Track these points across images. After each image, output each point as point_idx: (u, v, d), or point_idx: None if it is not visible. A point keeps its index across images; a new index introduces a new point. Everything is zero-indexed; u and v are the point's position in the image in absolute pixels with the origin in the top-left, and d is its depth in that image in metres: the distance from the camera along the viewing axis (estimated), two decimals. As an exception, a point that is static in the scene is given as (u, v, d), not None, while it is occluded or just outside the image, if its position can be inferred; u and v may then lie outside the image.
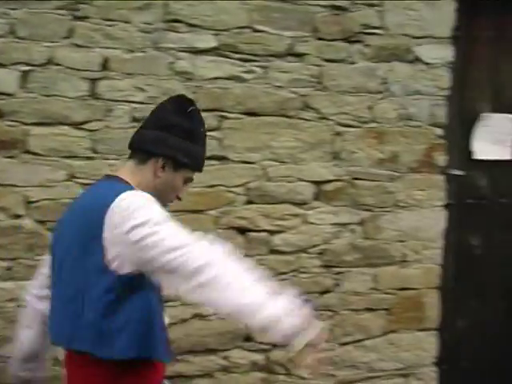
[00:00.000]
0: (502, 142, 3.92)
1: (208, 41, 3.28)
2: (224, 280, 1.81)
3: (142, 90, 3.22)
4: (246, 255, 3.25)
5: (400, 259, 3.61)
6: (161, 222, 1.87)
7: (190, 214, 3.20)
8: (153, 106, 3.14)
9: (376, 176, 3.56)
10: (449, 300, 3.86)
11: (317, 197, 3.46)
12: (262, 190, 3.37)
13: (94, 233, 1.91)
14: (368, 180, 3.54)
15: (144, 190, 2.03)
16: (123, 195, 1.92)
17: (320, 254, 3.49)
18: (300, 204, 3.43)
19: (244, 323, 1.88)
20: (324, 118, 3.44)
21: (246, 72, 3.33)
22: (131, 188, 2.01)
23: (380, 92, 3.53)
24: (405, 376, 3.70)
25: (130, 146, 2.15)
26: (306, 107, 3.42)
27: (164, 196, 2.10)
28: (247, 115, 3.34)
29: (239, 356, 3.42)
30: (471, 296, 3.98)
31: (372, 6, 3.49)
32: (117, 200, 1.90)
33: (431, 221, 3.65)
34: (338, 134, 3.48)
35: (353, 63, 3.47)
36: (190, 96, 3.18)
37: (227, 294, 1.80)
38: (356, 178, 3.52)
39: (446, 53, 3.63)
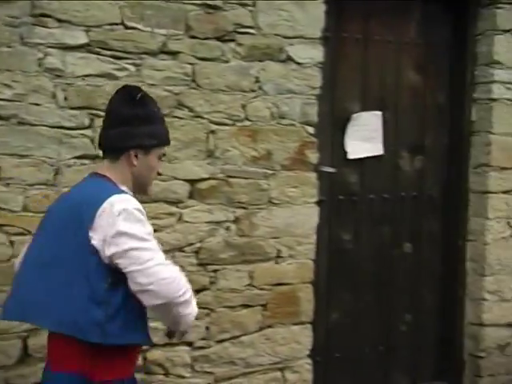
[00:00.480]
0: (372, 139, 4.10)
1: (78, 37, 3.22)
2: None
3: (9, 86, 3.12)
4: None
5: (274, 255, 3.68)
6: (144, 238, 2.16)
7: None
8: (21, 104, 3.13)
9: (250, 174, 3.60)
10: (322, 294, 3.98)
11: (191, 195, 3.48)
12: (136, 189, 3.34)
13: (83, 224, 2.14)
14: (242, 178, 3.59)
15: (125, 181, 2.30)
16: (113, 199, 2.17)
17: (196, 252, 3.50)
18: (175, 203, 3.43)
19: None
20: (198, 117, 3.46)
21: (118, 69, 3.29)
22: (118, 189, 2.24)
23: (253, 91, 3.58)
24: (281, 370, 3.77)
25: (101, 148, 2.37)
26: (180, 105, 3.42)
27: (145, 178, 2.35)
28: (120, 113, 3.30)
29: (115, 358, 3.37)
30: (343, 289, 4.14)
31: (245, 5, 3.54)
32: (107, 202, 2.15)
33: (304, 217, 3.74)
34: (212, 132, 3.50)
35: (226, 62, 3.51)
36: (60, 94, 3.19)
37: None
38: (230, 176, 3.56)
39: (317, 53, 3.73)
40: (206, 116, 3.48)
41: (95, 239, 2.14)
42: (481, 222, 4.29)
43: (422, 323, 4.41)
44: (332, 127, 3.99)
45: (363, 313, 4.20)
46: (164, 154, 2.41)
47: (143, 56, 3.33)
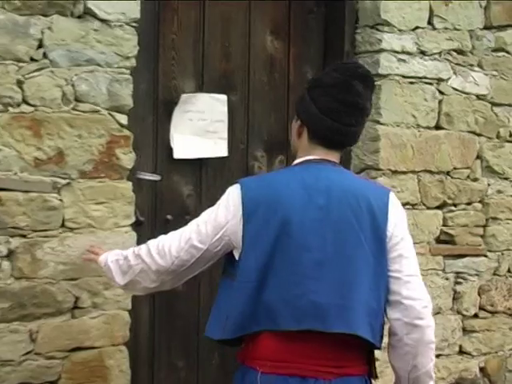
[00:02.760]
0: (213, 134, 4.13)
1: None
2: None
3: None
4: None
5: (70, 306, 3.57)
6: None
7: None
8: None
9: (32, 185, 3.48)
10: (143, 360, 3.97)
11: None
12: None
13: (380, 226, 2.84)
14: (19, 191, 3.47)
15: None
16: (395, 198, 2.95)
17: None
18: None
19: None
20: None
21: None
22: (383, 187, 3.13)
23: (34, 60, 3.45)
24: None
25: (342, 143, 3.00)
26: None
27: None
28: None
29: None
30: (176, 351, 4.09)
31: None
32: (394, 202, 2.93)
33: (115, 247, 3.57)
34: (-28, 122, 3.26)
35: (-10, 15, 3.24)
36: None
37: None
38: (1, 189, 3.43)
39: (131, 6, 3.63)
40: (-41, 98, 3.24)
41: (387, 236, 2.82)
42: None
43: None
44: (154, 115, 3.95)
45: (205, 384, 3.95)
46: None
47: None
